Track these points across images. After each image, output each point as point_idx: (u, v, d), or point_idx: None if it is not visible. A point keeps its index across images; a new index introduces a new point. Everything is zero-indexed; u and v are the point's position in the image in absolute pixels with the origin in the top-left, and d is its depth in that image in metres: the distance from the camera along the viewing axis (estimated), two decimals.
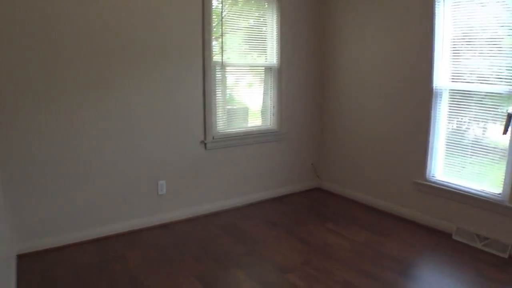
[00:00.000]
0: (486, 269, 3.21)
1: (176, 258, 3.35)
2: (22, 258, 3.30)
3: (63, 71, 3.34)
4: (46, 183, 3.39)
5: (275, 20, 4.61)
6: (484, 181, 3.67)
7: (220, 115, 4.37)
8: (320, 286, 2.90)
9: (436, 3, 3.76)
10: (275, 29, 4.63)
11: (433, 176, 4.04)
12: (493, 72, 3.52)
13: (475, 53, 3.65)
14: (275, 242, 3.70)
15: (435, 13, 3.78)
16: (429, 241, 3.76)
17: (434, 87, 3.90)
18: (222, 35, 4.21)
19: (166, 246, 3.58)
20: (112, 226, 3.77)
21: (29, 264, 3.22)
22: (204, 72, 4.08)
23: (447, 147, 3.94)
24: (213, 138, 4.25)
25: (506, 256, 3.39)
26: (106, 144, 3.64)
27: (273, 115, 4.80)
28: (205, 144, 4.21)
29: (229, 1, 4.24)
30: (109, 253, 3.43)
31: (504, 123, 3.38)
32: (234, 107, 4.60)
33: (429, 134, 3.99)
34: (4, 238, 2.82)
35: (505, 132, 3.38)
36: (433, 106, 3.93)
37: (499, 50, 3.47)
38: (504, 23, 3.41)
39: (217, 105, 4.29)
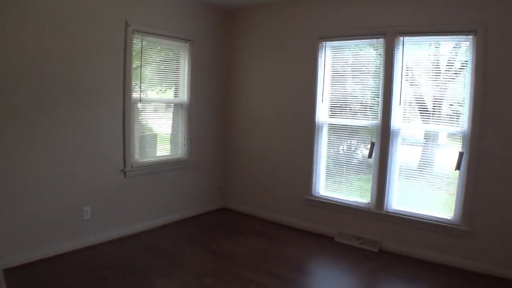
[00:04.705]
0: (362, 261, 4.18)
1: (106, 276, 3.69)
2: None
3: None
4: None
5: (186, 63, 5.29)
6: (356, 193, 4.72)
7: (138, 146, 4.86)
8: (233, 286, 3.55)
9: (319, 55, 4.81)
10: (186, 71, 5.30)
11: (317, 192, 5.00)
12: (360, 109, 4.63)
13: (346, 95, 4.75)
14: (192, 255, 4.28)
15: (318, 61, 4.82)
16: (317, 244, 4.67)
17: (316, 121, 4.89)
18: (141, 78, 4.73)
19: (95, 266, 3.88)
20: (42, 250, 3.96)
21: None
22: (124, 108, 4.55)
23: (327, 169, 4.95)
24: (131, 167, 4.72)
25: (376, 250, 4.41)
26: (37, 169, 3.90)
27: (184, 145, 5.42)
28: (125, 172, 4.66)
29: (148, 51, 4.83)
30: (41, 277, 3.62)
31: (369, 148, 4.49)
32: (150, 139, 5.12)
33: (313, 158, 4.96)
34: None
35: (369, 156, 4.46)
36: (316, 136, 4.92)
37: (365, 91, 4.60)
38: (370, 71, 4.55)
39: (135, 138, 4.77)
